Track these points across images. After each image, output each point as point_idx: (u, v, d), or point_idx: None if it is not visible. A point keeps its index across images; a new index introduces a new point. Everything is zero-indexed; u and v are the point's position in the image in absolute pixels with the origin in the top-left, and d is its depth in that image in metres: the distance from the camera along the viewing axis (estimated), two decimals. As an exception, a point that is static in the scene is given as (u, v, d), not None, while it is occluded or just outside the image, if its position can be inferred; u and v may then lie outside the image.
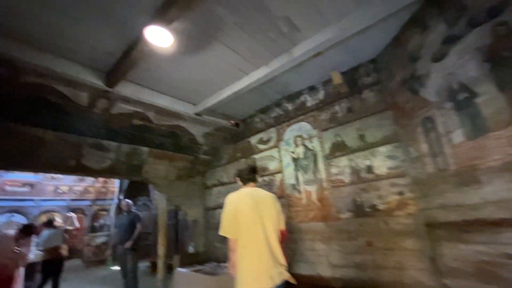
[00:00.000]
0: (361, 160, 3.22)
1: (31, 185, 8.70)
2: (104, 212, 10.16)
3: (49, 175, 9.11)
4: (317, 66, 3.32)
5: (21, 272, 3.08)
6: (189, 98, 4.01)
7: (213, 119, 4.48)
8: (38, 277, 4.43)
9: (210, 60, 3.08)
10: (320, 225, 3.47)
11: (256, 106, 4.48)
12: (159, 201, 4.66)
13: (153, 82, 3.50)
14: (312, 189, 3.64)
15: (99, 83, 3.14)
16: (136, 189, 11.05)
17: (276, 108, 4.32)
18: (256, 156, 4.50)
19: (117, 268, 4.19)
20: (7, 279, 2.72)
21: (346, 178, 3.32)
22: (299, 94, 4.02)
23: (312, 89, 3.88)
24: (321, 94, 3.79)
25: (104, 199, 10.29)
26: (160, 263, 4.29)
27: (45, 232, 4.71)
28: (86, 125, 3.60)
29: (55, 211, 9.06)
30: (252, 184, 2.25)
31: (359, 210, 3.15)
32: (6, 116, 3.01)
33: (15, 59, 2.60)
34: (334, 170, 3.46)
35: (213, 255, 4.86)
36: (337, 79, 3.37)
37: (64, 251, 4.74)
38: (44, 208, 8.86)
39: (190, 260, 4.53)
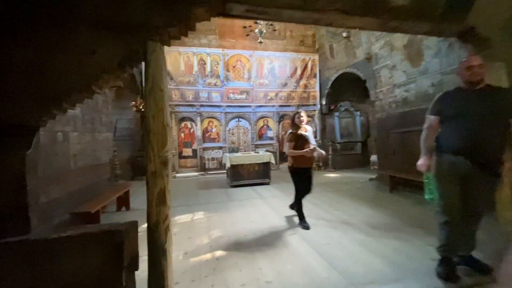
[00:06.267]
0: None
1: (247, 92, 9.05)
2: (309, 119, 9.62)
3: (257, 82, 9.10)
4: None
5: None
6: None
7: None
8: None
9: None
10: None
11: None
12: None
13: None
14: None
15: None
16: (338, 93, 9.56)
17: None
18: None
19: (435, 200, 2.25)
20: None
21: None
22: None
23: None
24: None
25: (307, 105, 9.58)
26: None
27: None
28: None
29: (268, 117, 9.35)
30: None
31: None
32: None
33: None
34: None
35: None
36: None
37: None
38: (260, 114, 9.26)
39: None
